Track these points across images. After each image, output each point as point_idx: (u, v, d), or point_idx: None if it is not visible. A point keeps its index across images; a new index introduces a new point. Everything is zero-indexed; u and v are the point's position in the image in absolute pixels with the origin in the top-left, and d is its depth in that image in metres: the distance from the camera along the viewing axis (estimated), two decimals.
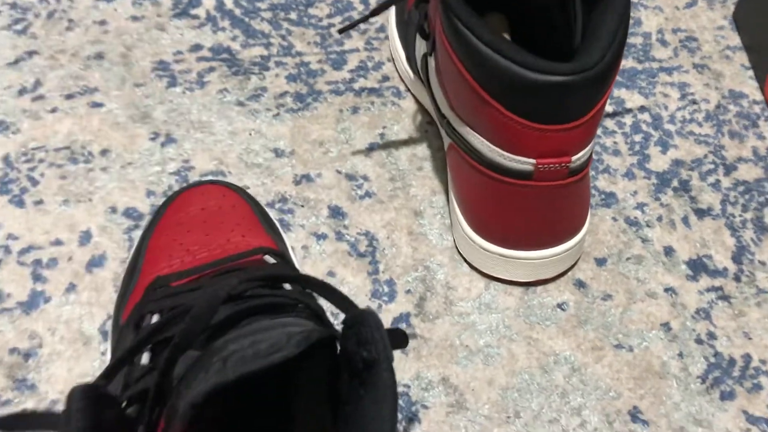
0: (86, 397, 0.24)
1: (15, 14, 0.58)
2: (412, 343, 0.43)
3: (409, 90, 0.55)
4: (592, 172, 0.51)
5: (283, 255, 0.39)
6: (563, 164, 0.39)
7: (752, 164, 0.52)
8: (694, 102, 0.56)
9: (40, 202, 0.49)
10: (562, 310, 0.45)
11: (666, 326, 0.44)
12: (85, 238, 0.47)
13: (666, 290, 0.46)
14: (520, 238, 0.43)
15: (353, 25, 0.46)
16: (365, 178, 0.50)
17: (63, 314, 0.44)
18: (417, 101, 0.55)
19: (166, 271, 0.38)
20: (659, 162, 0.52)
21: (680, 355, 0.43)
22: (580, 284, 0.46)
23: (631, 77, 0.57)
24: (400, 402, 0.41)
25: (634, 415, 0.41)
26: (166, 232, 0.41)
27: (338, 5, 0.61)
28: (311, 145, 0.52)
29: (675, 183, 0.51)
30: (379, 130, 0.53)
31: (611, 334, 0.44)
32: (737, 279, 0.46)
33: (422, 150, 0.52)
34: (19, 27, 0.57)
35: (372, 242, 0.47)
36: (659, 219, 0.49)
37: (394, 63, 0.57)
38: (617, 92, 0.56)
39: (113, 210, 0.48)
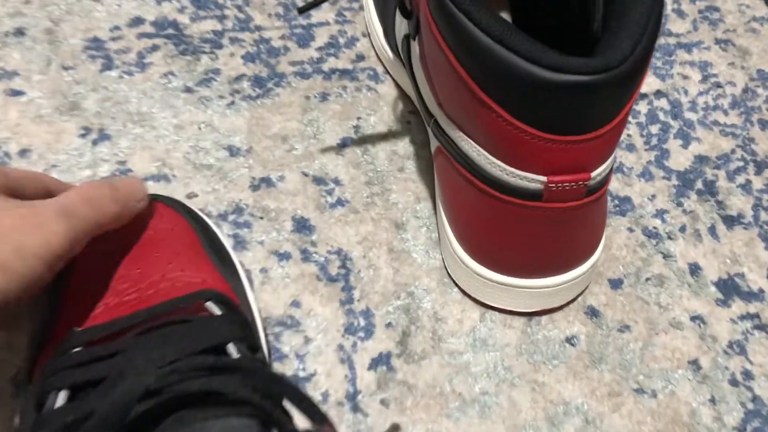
0: None
1: None
2: (394, 391, 0.36)
3: (387, 72, 0.47)
4: None
5: (229, 300, 0.31)
6: (580, 182, 0.31)
7: None
8: (718, 85, 0.48)
9: None
10: (572, 345, 0.38)
11: (695, 364, 0.37)
12: None
13: (693, 319, 0.39)
14: (523, 265, 0.35)
15: (317, 3, 0.37)
16: (336, 181, 0.43)
17: None
18: (397, 86, 0.47)
19: (84, 321, 0.30)
20: (680, 158, 0.45)
21: (712, 400, 0.36)
22: (593, 312, 0.39)
23: None
24: None
25: None
26: (92, 263, 0.33)
27: None
28: (272, 140, 0.44)
29: (699, 185, 0.43)
30: (353, 122, 0.45)
31: (630, 375, 0.37)
32: None
33: (404, 146, 0.44)
34: None
35: (345, 263, 0.40)
36: (682, 229, 0.42)
37: (370, 39, 0.48)
38: None
39: None
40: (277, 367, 0.36)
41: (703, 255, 0.41)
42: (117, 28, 0.48)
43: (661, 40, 0.50)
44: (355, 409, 0.35)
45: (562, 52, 0.29)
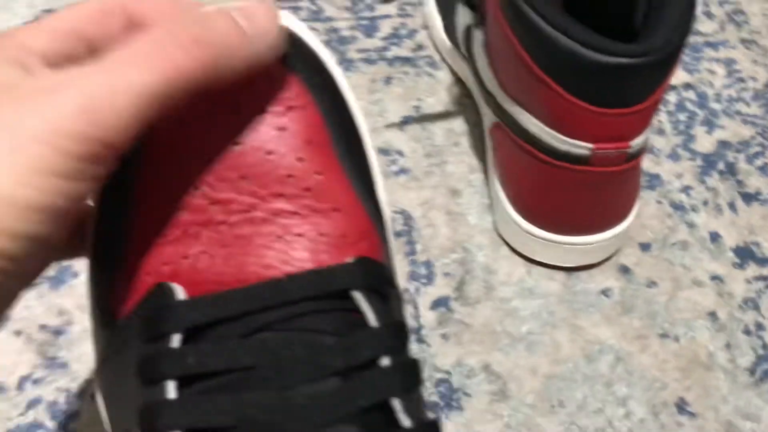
0: None
1: None
2: (452, 328, 0.42)
3: (444, 60, 0.53)
4: None
5: (383, 283, 0.25)
6: (621, 150, 0.37)
7: None
8: (742, 80, 0.54)
9: None
10: (607, 296, 0.43)
11: (713, 316, 0.43)
12: None
13: (712, 278, 0.44)
14: (568, 223, 0.41)
15: None
16: (400, 153, 0.49)
17: None
18: (453, 72, 0.53)
19: (169, 272, 0.24)
20: (705, 143, 0.50)
21: (728, 346, 0.42)
22: (625, 270, 0.44)
23: None
24: (441, 389, 0.40)
25: (681, 406, 0.40)
26: (178, 146, 0.24)
27: None
28: None
29: (721, 166, 0.49)
30: (414, 103, 0.51)
31: (656, 323, 0.42)
32: None
33: (459, 125, 0.50)
34: None
35: (408, 221, 0.46)
36: (705, 203, 0.47)
37: (429, 31, 0.55)
38: None
39: None
40: None
41: (723, 226, 0.47)
42: None
43: (691, 39, 0.55)
44: (420, 341, 0.41)
45: (601, 34, 0.34)
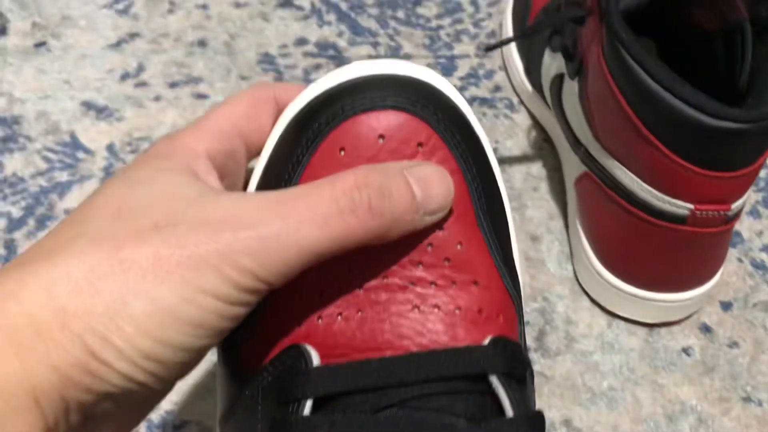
0: None
1: None
2: None
3: (523, 103, 0.53)
4: None
5: (520, 364, 0.24)
6: (721, 212, 0.37)
7: None
8: None
9: None
10: (688, 355, 0.43)
11: None
12: None
13: None
14: (656, 280, 0.41)
15: (502, 44, 0.44)
16: None
17: None
18: (532, 116, 0.52)
19: (303, 333, 0.24)
20: None
21: None
22: (706, 329, 0.44)
23: None
24: None
25: None
26: None
27: (447, 6, 0.58)
28: None
29: None
30: (492, 144, 0.51)
31: (739, 385, 0.42)
32: None
33: (537, 169, 0.50)
34: (120, 6, 0.55)
35: None
36: None
37: (507, 72, 0.55)
38: None
39: None
40: None
41: None
42: (285, 46, 0.55)
43: None
44: None
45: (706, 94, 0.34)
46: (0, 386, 0.19)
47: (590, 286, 0.44)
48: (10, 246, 0.45)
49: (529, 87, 0.51)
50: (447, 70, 0.55)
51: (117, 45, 0.53)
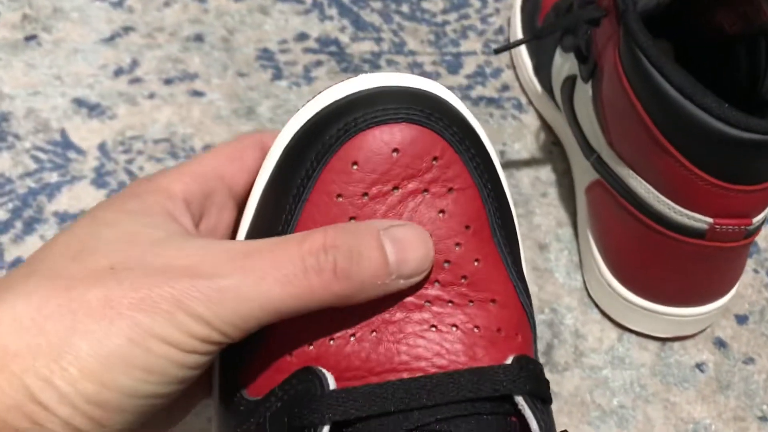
0: None
1: None
2: None
3: (531, 103, 0.51)
4: None
5: (542, 385, 0.23)
6: (742, 227, 0.35)
7: None
8: None
9: None
10: (701, 371, 0.41)
11: None
12: None
13: None
14: (669, 293, 0.39)
15: (512, 46, 0.42)
16: None
17: None
18: (541, 117, 0.51)
19: (315, 355, 0.22)
20: None
21: None
22: (720, 344, 0.42)
23: None
24: None
25: None
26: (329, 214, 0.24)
27: (453, 0, 0.56)
28: None
29: None
30: (499, 147, 0.49)
31: (755, 404, 0.40)
32: None
33: (546, 173, 0.48)
34: None
35: None
36: None
37: (515, 71, 0.53)
38: None
39: None
40: None
41: None
42: (284, 41, 0.53)
43: None
44: None
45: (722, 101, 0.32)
46: None
47: (600, 298, 0.42)
48: None
49: (538, 87, 0.49)
50: (453, 68, 0.53)
51: (110, 39, 0.51)
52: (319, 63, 0.52)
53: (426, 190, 0.24)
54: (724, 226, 0.35)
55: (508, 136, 0.50)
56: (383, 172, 0.23)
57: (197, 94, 0.50)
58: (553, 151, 0.49)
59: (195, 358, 0.21)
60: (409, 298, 0.23)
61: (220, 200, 0.25)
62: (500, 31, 0.55)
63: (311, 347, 0.23)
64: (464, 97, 0.51)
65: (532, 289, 0.43)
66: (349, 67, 0.52)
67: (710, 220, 0.35)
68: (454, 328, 0.23)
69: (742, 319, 0.43)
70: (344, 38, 0.53)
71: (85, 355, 0.19)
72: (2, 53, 0.50)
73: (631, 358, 0.41)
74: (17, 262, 0.43)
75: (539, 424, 0.21)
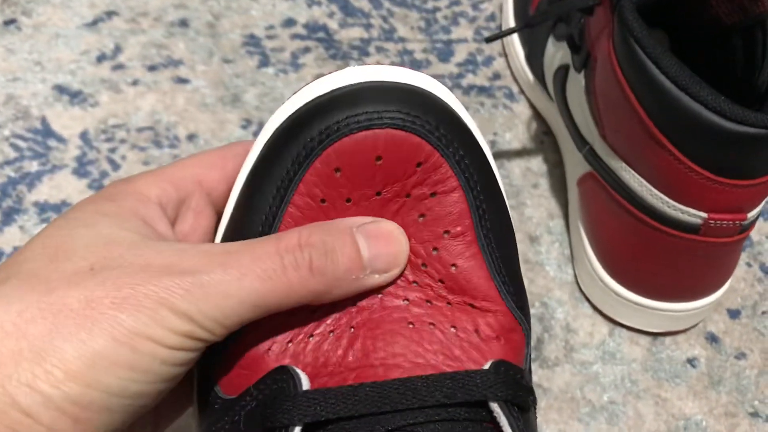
0: None
1: None
2: None
3: (523, 92, 0.50)
4: None
5: (525, 377, 0.23)
6: (737, 222, 0.34)
7: None
8: None
9: None
10: (693, 366, 0.41)
11: None
12: None
13: None
14: (663, 289, 0.39)
15: (503, 34, 0.41)
16: None
17: None
18: (532, 107, 0.50)
19: (291, 353, 0.22)
20: None
21: None
22: (712, 338, 0.42)
23: None
24: None
25: None
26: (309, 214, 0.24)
27: None
28: None
29: None
30: (489, 137, 0.48)
31: (746, 399, 0.40)
32: None
33: (537, 164, 0.47)
34: None
35: None
36: None
37: (507, 59, 0.52)
38: None
39: None
40: None
41: None
42: (272, 27, 0.52)
43: None
44: None
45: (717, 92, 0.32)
46: None
47: (592, 292, 0.41)
48: None
49: (530, 76, 0.48)
50: (443, 56, 0.52)
51: (93, 24, 0.50)
52: (306, 50, 0.51)
53: (408, 195, 0.23)
54: (718, 222, 0.34)
55: (499, 126, 0.49)
56: (367, 178, 0.23)
57: (182, 81, 0.49)
58: (544, 141, 0.48)
59: (179, 355, 0.21)
60: (388, 297, 0.23)
61: (197, 205, 0.25)
62: (492, 17, 0.54)
63: (289, 344, 0.23)
64: (455, 86, 0.50)
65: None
66: (337, 54, 0.51)
67: (704, 214, 0.34)
68: (431, 327, 0.23)
69: (734, 314, 0.43)
70: (333, 24, 0.52)
71: (70, 356, 0.19)
72: None
73: (622, 354, 0.41)
74: None
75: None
